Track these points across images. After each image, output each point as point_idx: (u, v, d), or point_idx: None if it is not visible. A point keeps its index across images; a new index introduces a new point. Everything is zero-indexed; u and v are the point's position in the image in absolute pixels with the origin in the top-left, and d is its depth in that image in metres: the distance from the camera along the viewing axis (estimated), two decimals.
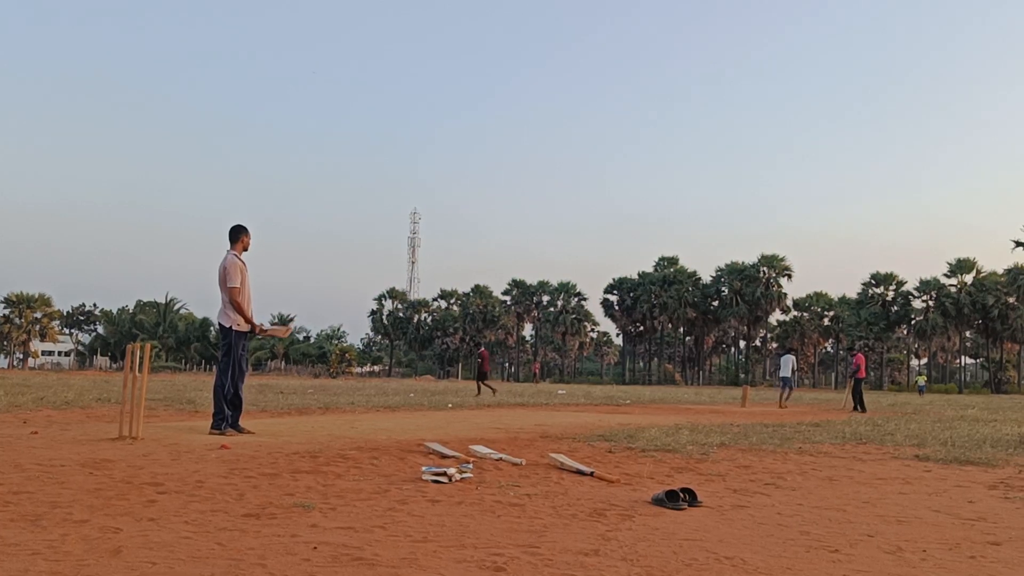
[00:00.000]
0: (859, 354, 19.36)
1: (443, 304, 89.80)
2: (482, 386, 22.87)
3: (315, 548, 3.08)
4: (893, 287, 76.14)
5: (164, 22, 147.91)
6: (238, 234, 7.75)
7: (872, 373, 78.50)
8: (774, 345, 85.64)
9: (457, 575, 2.77)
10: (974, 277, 71.40)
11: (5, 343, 75.90)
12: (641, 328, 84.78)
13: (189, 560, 2.83)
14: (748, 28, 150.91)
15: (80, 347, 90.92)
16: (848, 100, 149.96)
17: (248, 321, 7.66)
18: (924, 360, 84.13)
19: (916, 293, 74.58)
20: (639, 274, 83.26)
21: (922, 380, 48.70)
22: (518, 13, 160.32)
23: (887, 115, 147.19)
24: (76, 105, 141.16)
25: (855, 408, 18.01)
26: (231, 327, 7.56)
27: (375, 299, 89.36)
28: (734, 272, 78.26)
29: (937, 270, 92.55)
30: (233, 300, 7.52)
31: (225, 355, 7.61)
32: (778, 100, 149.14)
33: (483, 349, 24.88)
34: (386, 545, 3.18)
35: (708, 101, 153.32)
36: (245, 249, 7.80)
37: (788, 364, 21.39)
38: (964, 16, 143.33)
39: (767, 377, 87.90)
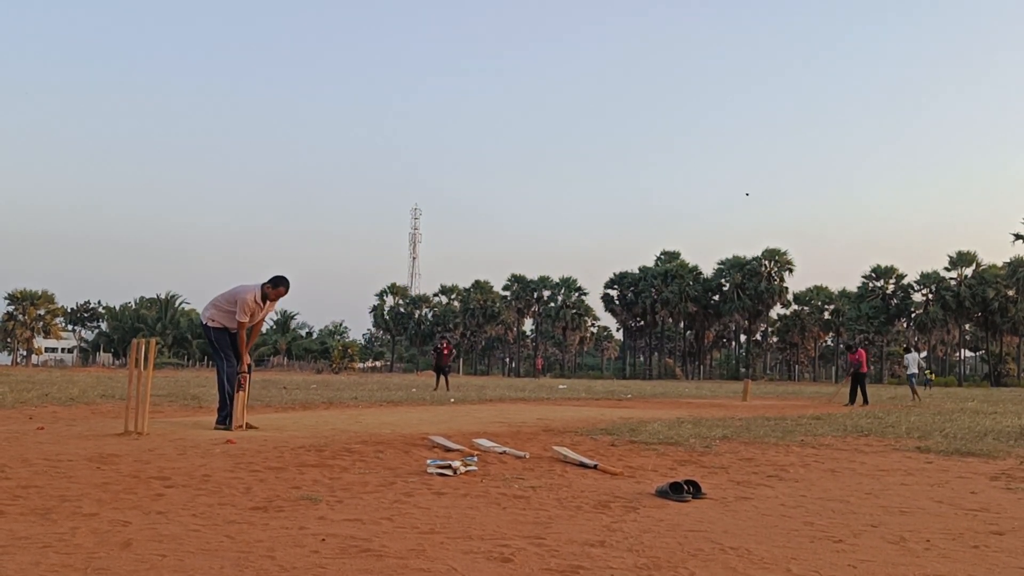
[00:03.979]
0: (860, 349, 19.37)
1: (444, 300, 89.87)
2: (439, 380, 22.02)
3: (323, 540, 3.10)
4: (893, 280, 76.21)
5: (168, 23, 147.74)
6: (274, 284, 7.62)
7: (872, 367, 78.52)
8: (775, 339, 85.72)
9: (465, 566, 2.79)
10: (974, 270, 71.44)
11: (9, 340, 76.01)
12: (642, 323, 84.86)
13: (199, 552, 2.86)
14: (751, 24, 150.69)
15: (83, 344, 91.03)
16: (849, 95, 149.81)
17: (239, 357, 7.67)
18: (924, 353, 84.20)
19: (916, 286, 74.67)
20: (640, 269, 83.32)
21: (928, 374, 48.63)
22: (521, 8, 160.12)
23: (888, 109, 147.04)
24: (81, 103, 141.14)
25: (850, 402, 17.99)
26: (207, 324, 7.68)
27: (376, 295, 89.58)
28: (736, 266, 78.30)
29: (938, 264, 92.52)
30: (238, 333, 7.62)
31: (214, 352, 7.70)
32: (780, 95, 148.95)
33: (446, 342, 23.62)
34: (393, 537, 3.21)
35: (710, 96, 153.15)
36: (269, 298, 7.65)
37: (914, 362, 22.84)
38: (963, 11, 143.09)
39: (767, 371, 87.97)
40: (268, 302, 7.71)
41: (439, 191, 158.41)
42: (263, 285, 7.63)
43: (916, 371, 22.76)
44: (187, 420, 8.38)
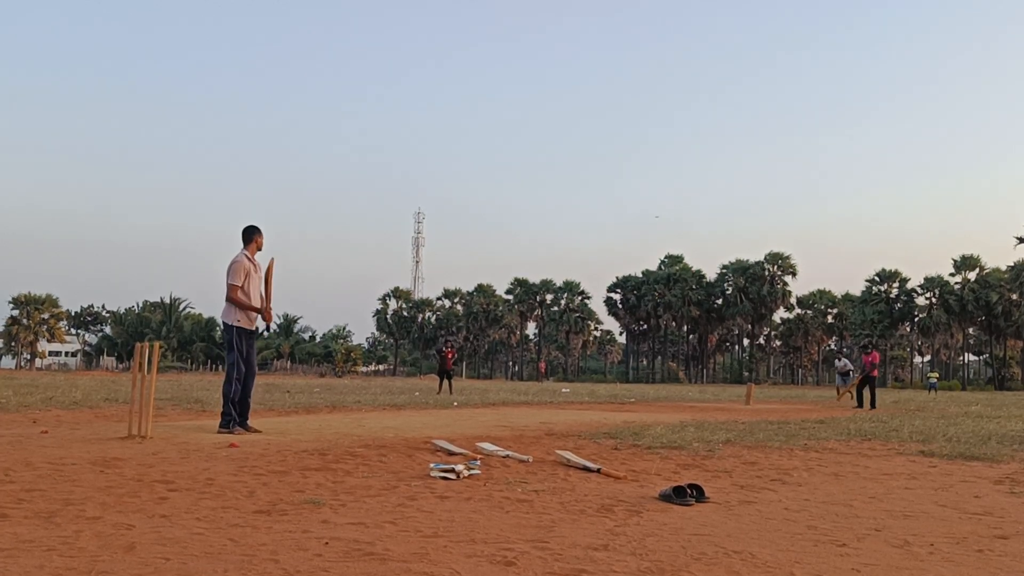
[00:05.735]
0: (875, 352, 19.25)
1: (447, 303, 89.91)
2: (442, 383, 22.23)
3: (327, 543, 3.10)
4: (897, 284, 76.09)
5: (173, 29, 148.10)
6: (250, 235, 7.81)
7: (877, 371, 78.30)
8: (778, 343, 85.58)
9: (468, 569, 2.79)
10: (978, 274, 71.31)
11: (13, 344, 76.10)
12: (645, 326, 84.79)
13: (202, 556, 2.86)
14: (755, 28, 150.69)
15: (87, 348, 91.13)
16: (852, 98, 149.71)
17: (255, 309, 7.73)
18: (928, 357, 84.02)
19: (920, 290, 74.55)
20: (643, 272, 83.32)
21: (933, 377, 48.54)
22: (524, 10, 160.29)
23: (891, 112, 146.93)
24: (85, 108, 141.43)
25: (859, 405, 17.97)
26: (232, 324, 7.64)
27: (380, 299, 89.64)
28: (739, 270, 78.28)
29: (942, 268, 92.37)
30: (232, 297, 7.60)
31: (229, 353, 7.68)
32: (782, 98, 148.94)
33: (449, 348, 23.70)
34: (397, 540, 3.21)
35: (713, 100, 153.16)
36: (259, 249, 7.85)
37: (846, 364, 24.05)
38: (967, 14, 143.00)
39: (771, 375, 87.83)
40: (257, 255, 7.83)
41: (442, 195, 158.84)
42: (246, 246, 7.77)
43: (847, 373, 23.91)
44: (190, 424, 8.39)
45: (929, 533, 3.63)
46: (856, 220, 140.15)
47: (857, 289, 78.15)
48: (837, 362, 24.54)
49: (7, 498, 3.83)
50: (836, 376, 24.51)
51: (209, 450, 5.94)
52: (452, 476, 4.91)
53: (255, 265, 7.79)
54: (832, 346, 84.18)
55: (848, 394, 21.75)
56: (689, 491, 4.31)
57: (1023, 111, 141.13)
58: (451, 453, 6.07)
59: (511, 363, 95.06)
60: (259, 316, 7.82)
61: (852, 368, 23.29)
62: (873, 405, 17.71)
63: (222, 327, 7.89)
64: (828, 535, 3.54)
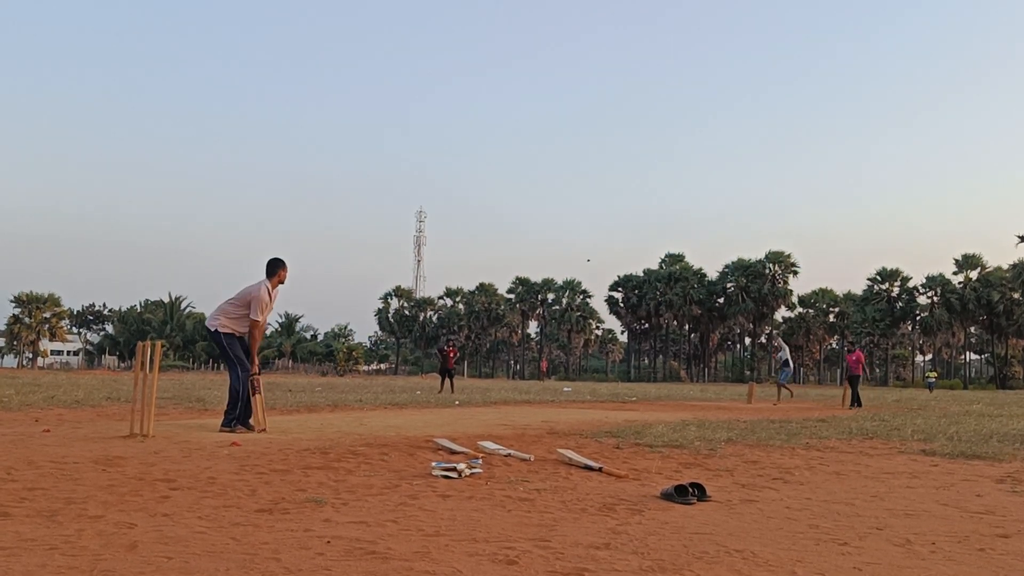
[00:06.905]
0: (857, 351, 19.33)
1: (448, 302, 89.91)
2: (444, 382, 21.96)
3: (328, 542, 3.11)
4: (898, 283, 76.04)
5: (176, 28, 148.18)
6: (275, 268, 7.78)
7: (877, 369, 78.30)
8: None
9: (470, 568, 2.79)
10: (979, 273, 71.24)
11: (15, 343, 76.18)
12: (646, 325, 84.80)
13: (204, 554, 2.86)
14: (756, 29, 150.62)
15: (89, 347, 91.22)
16: (854, 97, 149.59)
17: (253, 361, 7.73)
18: (929, 356, 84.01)
19: (922, 289, 74.50)
20: (644, 271, 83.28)
21: (932, 376, 48.50)
22: (526, 13, 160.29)
23: (893, 112, 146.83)
24: (88, 106, 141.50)
25: (858, 405, 17.97)
26: (217, 330, 7.65)
27: (381, 298, 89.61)
28: (740, 269, 78.24)
29: (944, 267, 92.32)
30: (255, 333, 7.64)
31: (227, 358, 7.70)
32: (784, 97, 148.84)
33: (450, 347, 23.32)
34: (399, 539, 3.21)
35: (715, 99, 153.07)
36: (280, 283, 7.85)
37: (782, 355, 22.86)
38: (968, 15, 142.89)
39: (772, 374, 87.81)
40: (275, 290, 7.84)
41: (444, 194, 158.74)
42: (268, 278, 7.73)
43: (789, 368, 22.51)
44: (192, 423, 8.40)
45: (931, 532, 3.63)
46: (857, 219, 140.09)
47: (858, 288, 78.20)
48: (780, 350, 23.07)
49: (9, 496, 3.84)
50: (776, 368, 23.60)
51: (211, 449, 5.95)
52: (454, 475, 4.92)
53: (272, 298, 7.81)
54: (834, 345, 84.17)
55: (788, 391, 21.77)
56: (691, 490, 4.31)
57: None
58: (453, 452, 6.08)
59: (513, 362, 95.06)
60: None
61: (785, 359, 22.11)
62: (855, 403, 17.75)
63: (210, 332, 7.80)
64: (830, 534, 3.54)
